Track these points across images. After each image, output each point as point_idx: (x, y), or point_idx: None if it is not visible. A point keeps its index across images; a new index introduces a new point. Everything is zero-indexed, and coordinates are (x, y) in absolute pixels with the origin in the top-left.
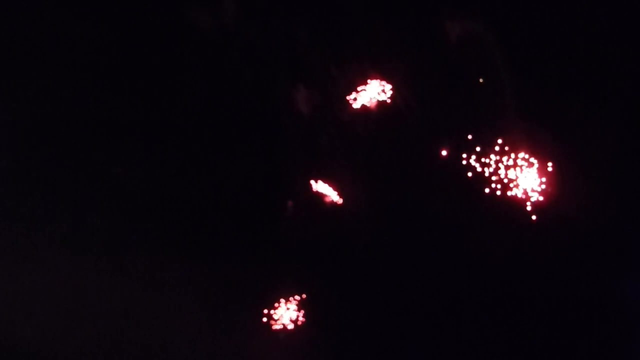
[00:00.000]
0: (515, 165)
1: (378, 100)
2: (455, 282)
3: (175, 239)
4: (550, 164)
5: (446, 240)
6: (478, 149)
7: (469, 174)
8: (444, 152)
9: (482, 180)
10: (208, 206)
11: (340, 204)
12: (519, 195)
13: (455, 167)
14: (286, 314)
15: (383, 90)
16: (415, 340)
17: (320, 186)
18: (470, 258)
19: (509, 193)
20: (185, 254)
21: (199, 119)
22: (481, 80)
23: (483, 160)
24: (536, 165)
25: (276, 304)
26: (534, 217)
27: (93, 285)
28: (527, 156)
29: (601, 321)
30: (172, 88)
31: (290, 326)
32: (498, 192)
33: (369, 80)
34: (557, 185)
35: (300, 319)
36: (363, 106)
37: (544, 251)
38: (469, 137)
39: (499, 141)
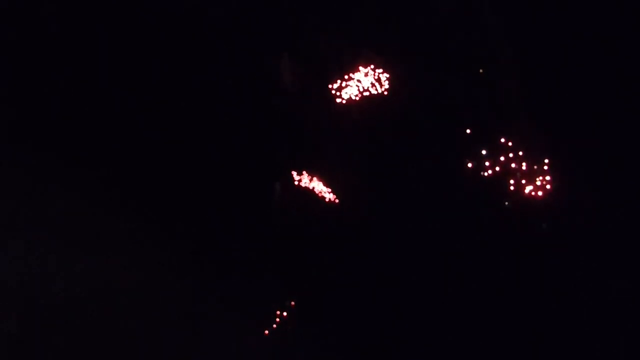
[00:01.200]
0: (520, 165)
1: (372, 91)
2: (454, 284)
3: (156, 237)
4: (559, 163)
5: (446, 242)
6: (479, 146)
7: (470, 172)
8: (444, 150)
9: (484, 178)
10: (188, 202)
11: (333, 202)
12: (523, 196)
13: (455, 165)
14: (277, 319)
15: (379, 80)
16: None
17: (309, 182)
18: (471, 260)
19: (512, 193)
20: (166, 255)
21: (177, 108)
22: (481, 70)
23: (485, 158)
24: (545, 167)
25: (266, 309)
26: (540, 222)
27: (84, 285)
28: (533, 156)
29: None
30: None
31: (281, 330)
32: (501, 192)
33: (363, 68)
34: (565, 188)
35: (291, 323)
36: (357, 96)
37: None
38: (468, 131)
39: (503, 139)
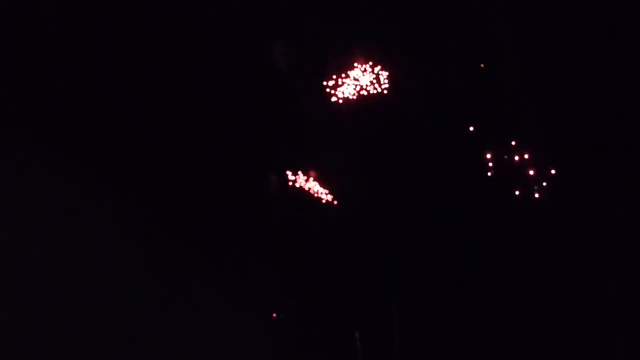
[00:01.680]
0: (523, 163)
1: (371, 89)
2: (453, 283)
3: (156, 237)
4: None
5: (445, 242)
6: (479, 145)
7: (469, 172)
8: (443, 149)
9: (483, 178)
10: (188, 203)
11: (332, 201)
12: (526, 196)
13: (455, 165)
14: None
15: (377, 78)
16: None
17: (308, 181)
18: (471, 260)
19: (516, 193)
20: (166, 255)
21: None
22: (482, 65)
23: (485, 158)
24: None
25: (266, 309)
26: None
27: (82, 286)
28: (535, 156)
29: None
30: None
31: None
32: (504, 192)
33: (362, 66)
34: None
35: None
36: (354, 95)
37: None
38: (467, 131)
39: (504, 139)
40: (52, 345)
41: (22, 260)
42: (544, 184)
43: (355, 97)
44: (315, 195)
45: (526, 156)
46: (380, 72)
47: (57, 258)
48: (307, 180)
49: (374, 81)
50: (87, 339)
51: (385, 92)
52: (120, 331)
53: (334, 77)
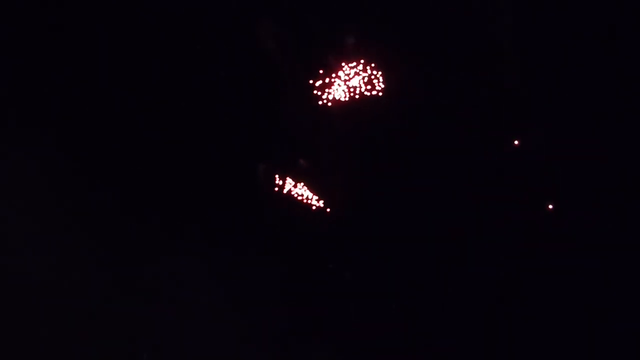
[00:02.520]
0: (523, 162)
1: (368, 88)
2: (454, 285)
3: (156, 236)
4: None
5: (448, 243)
6: (478, 146)
7: (472, 171)
8: (443, 148)
9: (486, 177)
10: (188, 203)
11: (330, 202)
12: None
13: (455, 164)
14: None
15: (376, 77)
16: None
17: (307, 181)
18: (470, 261)
19: (516, 193)
20: (166, 254)
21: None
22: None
23: (483, 161)
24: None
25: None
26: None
27: (90, 282)
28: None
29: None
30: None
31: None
32: (504, 191)
33: (358, 65)
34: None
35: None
36: (348, 96)
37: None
38: (466, 132)
39: (506, 136)
40: (51, 345)
41: (20, 260)
42: (544, 183)
43: (353, 97)
44: (315, 194)
45: (526, 156)
46: (379, 71)
47: (56, 258)
48: (307, 180)
49: (372, 80)
50: (86, 339)
51: (384, 91)
52: (119, 331)
53: (332, 75)
